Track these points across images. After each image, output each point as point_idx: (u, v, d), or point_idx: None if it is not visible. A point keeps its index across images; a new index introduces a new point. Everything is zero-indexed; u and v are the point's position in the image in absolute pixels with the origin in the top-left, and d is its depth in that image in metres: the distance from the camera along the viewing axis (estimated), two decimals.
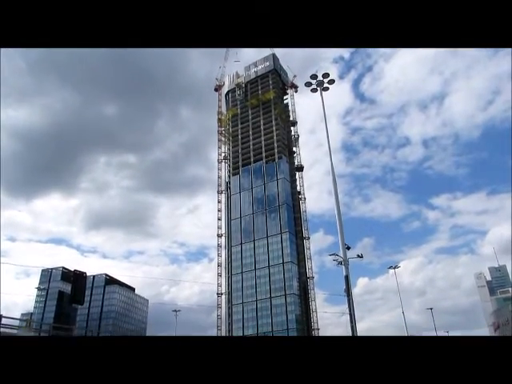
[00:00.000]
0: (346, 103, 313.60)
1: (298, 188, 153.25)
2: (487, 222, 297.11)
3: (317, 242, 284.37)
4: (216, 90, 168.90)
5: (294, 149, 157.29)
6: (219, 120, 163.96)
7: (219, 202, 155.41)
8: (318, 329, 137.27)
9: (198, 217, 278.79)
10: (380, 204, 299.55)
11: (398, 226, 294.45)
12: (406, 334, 51.19)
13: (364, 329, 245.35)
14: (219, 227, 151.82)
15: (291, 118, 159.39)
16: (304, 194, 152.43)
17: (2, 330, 28.73)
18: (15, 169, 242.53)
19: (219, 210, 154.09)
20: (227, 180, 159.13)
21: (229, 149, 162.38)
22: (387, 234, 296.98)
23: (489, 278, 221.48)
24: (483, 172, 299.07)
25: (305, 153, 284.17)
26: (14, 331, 31.51)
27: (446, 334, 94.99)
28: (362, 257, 31.38)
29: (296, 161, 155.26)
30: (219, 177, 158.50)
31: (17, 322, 35.84)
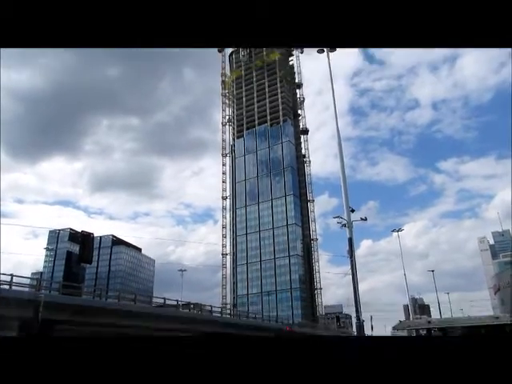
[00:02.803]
0: (355, 64, 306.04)
1: (303, 151, 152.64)
2: (494, 186, 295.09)
3: (322, 205, 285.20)
4: (219, 50, 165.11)
5: (300, 111, 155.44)
6: (223, 82, 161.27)
7: (224, 164, 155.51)
8: (321, 288, 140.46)
9: (203, 179, 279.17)
10: (386, 167, 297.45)
11: (403, 189, 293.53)
12: (407, 295, 52.26)
13: (366, 289, 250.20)
14: (224, 190, 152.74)
15: (297, 80, 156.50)
16: (309, 157, 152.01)
17: (14, 288, 29.69)
18: (18, 131, 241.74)
19: (224, 173, 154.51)
20: (232, 143, 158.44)
21: (233, 111, 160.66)
22: (393, 197, 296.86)
23: (492, 242, 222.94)
24: (493, 136, 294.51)
25: (311, 115, 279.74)
26: (25, 289, 32.55)
27: (447, 296, 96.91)
28: (365, 219, 31.72)
29: (301, 124, 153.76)
30: (223, 140, 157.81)
31: (27, 281, 36.84)
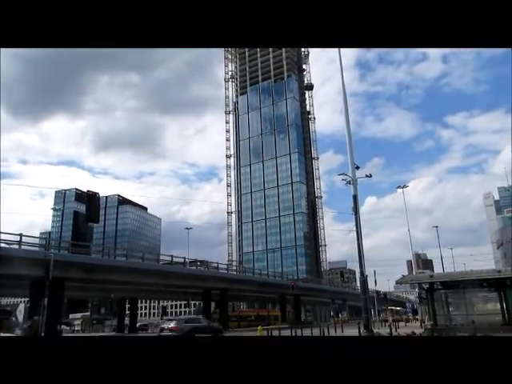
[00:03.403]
0: None
1: (308, 107, 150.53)
2: (502, 141, 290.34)
3: (326, 162, 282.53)
4: None
5: (304, 66, 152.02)
6: None
7: (227, 122, 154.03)
8: (325, 245, 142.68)
9: (207, 137, 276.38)
10: (393, 123, 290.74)
11: (410, 145, 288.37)
12: (411, 250, 52.90)
13: (370, 245, 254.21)
14: (228, 148, 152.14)
15: None
16: (313, 113, 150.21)
17: (24, 247, 30.31)
18: (18, 90, 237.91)
19: (227, 131, 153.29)
20: (235, 100, 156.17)
21: (236, 67, 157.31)
22: (399, 153, 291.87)
23: (497, 197, 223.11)
24: (504, 89, 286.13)
25: (316, 70, 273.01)
26: (35, 249, 33.22)
27: (450, 251, 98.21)
28: (370, 176, 31.50)
29: (306, 79, 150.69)
30: (227, 97, 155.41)
31: (37, 241, 37.53)
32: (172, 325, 26.79)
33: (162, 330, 27.17)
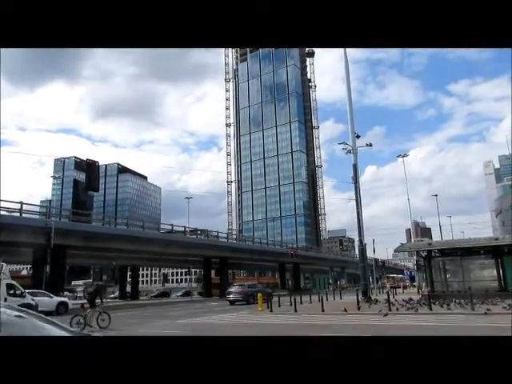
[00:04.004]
0: None
1: (309, 75, 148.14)
2: (504, 108, 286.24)
3: (327, 131, 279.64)
4: None
5: None
6: None
7: (227, 90, 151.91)
8: (325, 214, 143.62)
9: (207, 105, 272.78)
10: (395, 91, 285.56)
11: (411, 113, 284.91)
12: (410, 219, 53.19)
13: (370, 214, 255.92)
14: (228, 116, 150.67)
15: None
16: (314, 81, 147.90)
17: (24, 215, 30.43)
18: (15, 55, 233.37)
19: (227, 99, 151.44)
20: (235, 67, 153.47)
21: None
22: (400, 122, 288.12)
23: (498, 166, 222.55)
24: (508, 55, 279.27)
25: None
26: (36, 217, 33.37)
27: (449, 219, 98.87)
28: (371, 145, 31.34)
29: None
30: (226, 64, 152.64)
31: (37, 209, 37.64)
32: (238, 289, 32.72)
33: (230, 293, 32.48)
